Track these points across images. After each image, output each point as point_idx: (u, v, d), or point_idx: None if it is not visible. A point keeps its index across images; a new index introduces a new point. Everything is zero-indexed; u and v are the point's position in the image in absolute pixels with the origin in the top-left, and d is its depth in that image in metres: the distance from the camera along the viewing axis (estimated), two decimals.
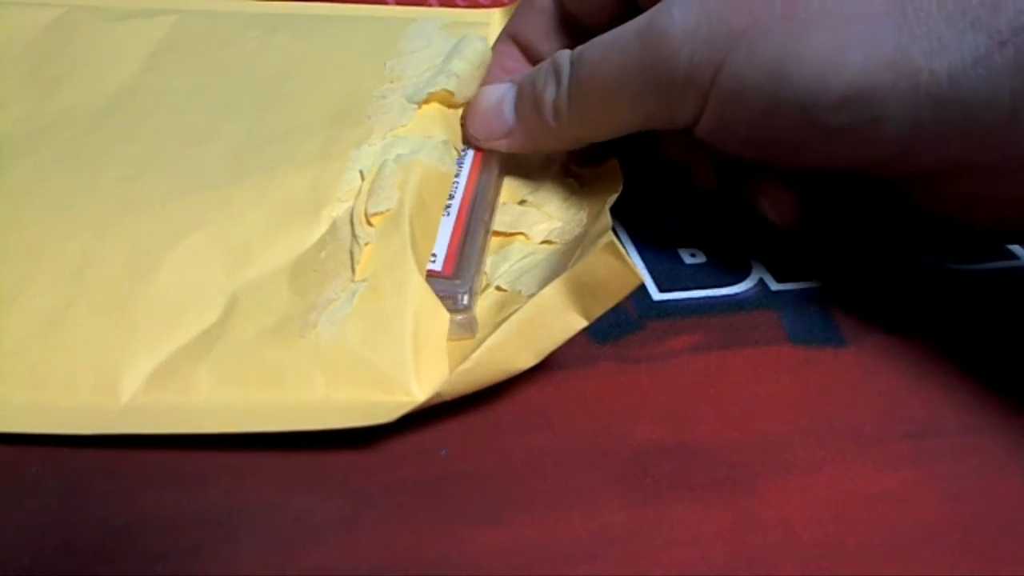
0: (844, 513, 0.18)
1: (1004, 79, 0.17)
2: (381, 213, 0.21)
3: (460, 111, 0.25)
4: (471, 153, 0.25)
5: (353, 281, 0.20)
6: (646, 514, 0.18)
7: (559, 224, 0.24)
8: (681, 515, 0.18)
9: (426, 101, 0.24)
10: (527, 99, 0.23)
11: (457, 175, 0.24)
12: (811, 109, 0.19)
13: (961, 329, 0.22)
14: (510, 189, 0.25)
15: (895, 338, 0.22)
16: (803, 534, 0.18)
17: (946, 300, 0.23)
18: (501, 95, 0.24)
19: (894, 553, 0.17)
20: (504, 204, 0.24)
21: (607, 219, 0.21)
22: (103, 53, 0.28)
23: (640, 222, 0.25)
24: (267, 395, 0.19)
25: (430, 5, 0.34)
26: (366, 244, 0.21)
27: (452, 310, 0.20)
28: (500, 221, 0.24)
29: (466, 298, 0.21)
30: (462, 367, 0.18)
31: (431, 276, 0.21)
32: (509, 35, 0.26)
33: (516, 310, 0.19)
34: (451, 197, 0.23)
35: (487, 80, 0.26)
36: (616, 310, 0.19)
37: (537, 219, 0.24)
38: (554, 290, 0.19)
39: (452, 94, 0.24)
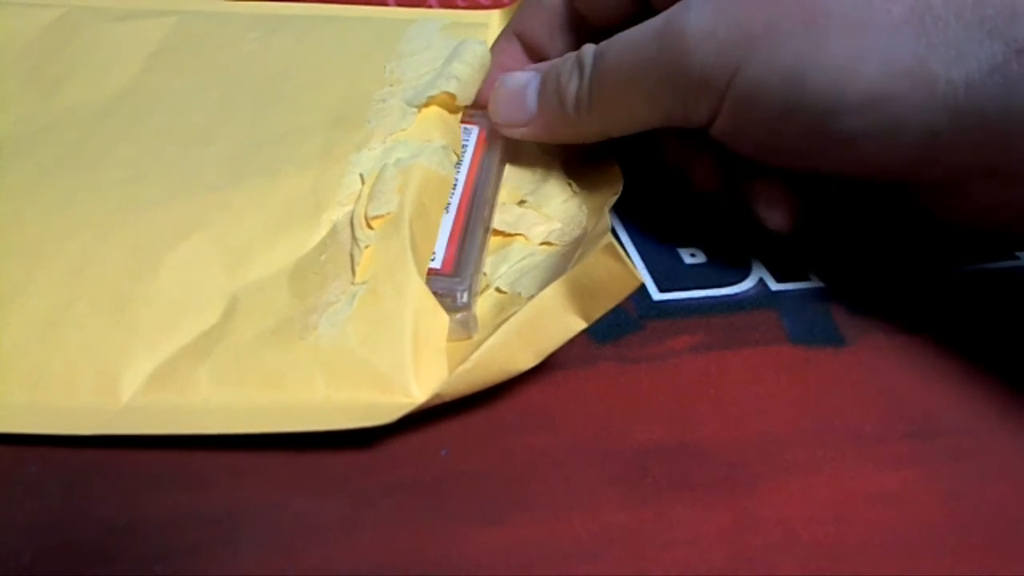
0: (844, 513, 0.18)
1: (1021, 87, 0.17)
2: (381, 216, 0.21)
3: (459, 116, 0.25)
4: (470, 152, 0.25)
5: (353, 283, 0.20)
6: (646, 514, 0.18)
7: (559, 225, 0.24)
8: (681, 515, 0.18)
9: (426, 105, 0.24)
10: (550, 89, 0.24)
11: (456, 173, 0.24)
12: (827, 116, 0.19)
13: (961, 329, 0.22)
14: (510, 189, 0.25)
15: (895, 338, 0.22)
16: (803, 534, 0.18)
17: (946, 300, 0.23)
18: (525, 82, 0.24)
19: (894, 553, 0.17)
20: (504, 204, 0.24)
21: (607, 220, 0.21)
22: (103, 54, 0.28)
23: (640, 222, 0.25)
24: (267, 396, 0.19)
25: (430, 6, 0.34)
26: (366, 247, 0.21)
27: (451, 308, 0.20)
28: (500, 220, 0.24)
29: (465, 296, 0.21)
30: (462, 368, 0.18)
31: (430, 274, 0.21)
32: (514, 32, 0.26)
33: (516, 311, 0.19)
34: (450, 195, 0.23)
35: (486, 79, 0.26)
36: (616, 310, 0.19)
37: (537, 220, 0.24)
38: (554, 291, 0.19)
39: (454, 96, 0.24)
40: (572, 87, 0.23)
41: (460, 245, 0.22)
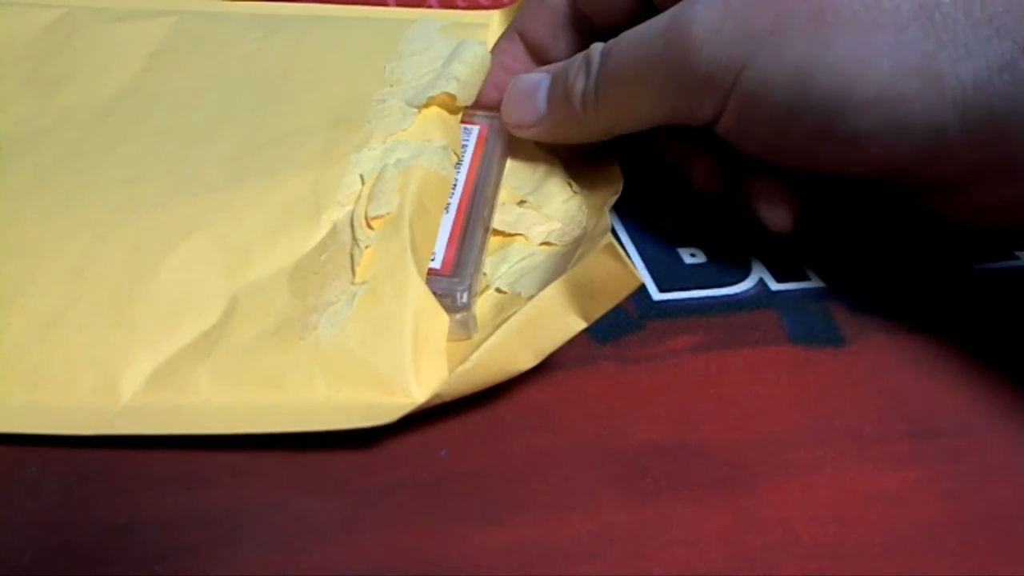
0: (844, 513, 0.18)
1: None
2: (381, 216, 0.21)
3: (459, 116, 0.25)
4: (470, 152, 0.25)
5: (353, 284, 0.20)
6: (646, 514, 0.18)
7: (559, 226, 0.24)
8: (681, 515, 0.18)
9: (426, 105, 0.24)
10: (559, 89, 0.24)
11: (456, 173, 0.24)
12: (834, 114, 0.19)
13: (962, 329, 0.22)
14: (510, 189, 0.25)
15: (895, 338, 0.22)
16: (803, 534, 0.18)
17: (947, 300, 0.23)
18: (536, 83, 0.24)
19: (894, 553, 0.17)
20: (504, 204, 0.24)
21: (607, 220, 0.21)
22: (103, 54, 0.28)
23: (640, 222, 0.25)
24: (267, 396, 0.19)
25: (430, 6, 0.34)
26: (366, 247, 0.21)
27: (451, 308, 0.20)
28: (500, 220, 0.24)
29: (465, 296, 0.21)
30: (461, 368, 0.18)
31: (430, 274, 0.21)
32: (516, 32, 0.26)
33: (516, 312, 0.19)
34: (450, 195, 0.23)
35: (487, 79, 0.26)
36: (616, 310, 0.19)
37: (536, 221, 0.24)
38: (554, 291, 0.19)
39: (454, 97, 0.24)
40: (579, 85, 0.23)
41: (460, 245, 0.22)
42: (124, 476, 0.18)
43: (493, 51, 0.27)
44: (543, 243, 0.23)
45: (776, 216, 0.23)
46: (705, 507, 0.18)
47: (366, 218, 0.21)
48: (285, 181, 0.23)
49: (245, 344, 0.20)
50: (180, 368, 0.19)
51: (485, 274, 0.22)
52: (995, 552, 0.17)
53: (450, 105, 0.25)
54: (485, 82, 0.26)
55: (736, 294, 0.23)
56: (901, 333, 0.22)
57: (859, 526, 0.18)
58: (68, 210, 0.22)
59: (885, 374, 0.21)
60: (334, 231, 0.21)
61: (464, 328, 0.20)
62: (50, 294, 0.20)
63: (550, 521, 0.18)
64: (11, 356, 0.19)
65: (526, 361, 0.19)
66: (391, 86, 0.25)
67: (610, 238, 0.18)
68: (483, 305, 0.22)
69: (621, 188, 0.24)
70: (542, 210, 0.24)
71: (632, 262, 0.18)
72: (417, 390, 0.19)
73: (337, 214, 0.22)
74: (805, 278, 0.24)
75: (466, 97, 0.25)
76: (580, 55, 0.24)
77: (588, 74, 0.23)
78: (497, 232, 0.24)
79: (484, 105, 0.26)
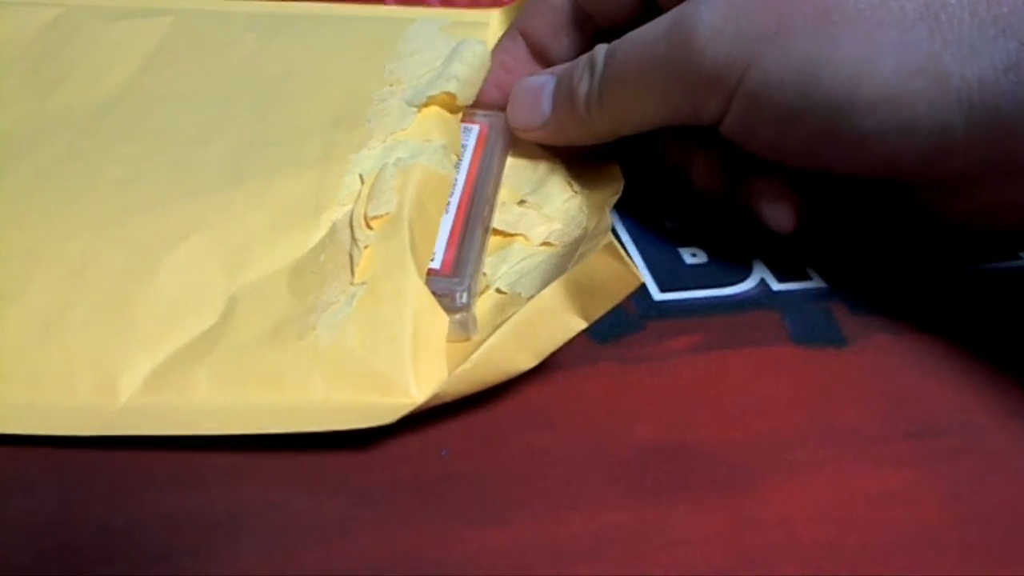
0: (844, 513, 0.18)
1: None
2: (381, 216, 0.21)
3: (459, 116, 0.25)
4: (470, 151, 0.25)
5: (352, 284, 0.20)
6: (646, 514, 0.18)
7: (559, 226, 0.24)
8: (681, 515, 0.18)
9: (426, 104, 0.24)
10: (563, 91, 0.24)
11: (456, 173, 0.24)
12: (839, 114, 0.19)
13: (963, 329, 0.22)
14: (510, 189, 0.25)
15: (896, 338, 0.22)
16: (803, 534, 0.17)
17: (948, 300, 0.23)
18: (540, 86, 0.25)
19: (894, 553, 0.17)
20: (504, 204, 0.24)
21: (607, 220, 0.21)
22: (102, 53, 0.28)
23: (641, 222, 0.25)
24: (266, 396, 0.19)
25: (430, 5, 0.34)
26: (365, 247, 0.21)
27: (450, 309, 0.20)
28: (500, 220, 0.24)
29: (464, 296, 0.20)
30: (461, 368, 0.18)
31: (429, 274, 0.21)
32: (518, 31, 0.26)
33: (516, 312, 0.19)
34: (450, 195, 0.23)
35: (488, 79, 0.26)
36: (616, 310, 0.19)
37: (537, 221, 0.24)
38: (554, 291, 0.19)
39: (454, 96, 0.24)
40: (584, 86, 0.23)
41: (459, 245, 0.22)
42: (124, 476, 0.18)
43: (494, 50, 0.26)
44: (543, 243, 0.23)
45: (778, 216, 0.23)
46: (705, 507, 0.18)
47: (365, 218, 0.21)
48: (284, 181, 0.22)
49: (244, 344, 0.20)
50: (179, 368, 0.19)
51: (485, 274, 0.22)
52: (995, 552, 0.17)
53: (450, 104, 0.24)
54: (486, 81, 0.26)
55: (737, 294, 0.23)
56: (902, 333, 0.22)
57: (859, 526, 0.18)
58: (67, 210, 0.22)
59: (886, 374, 0.21)
60: (333, 231, 0.21)
61: (464, 328, 0.20)
62: (49, 294, 0.20)
63: (550, 521, 0.18)
64: (11, 356, 0.19)
65: (526, 361, 0.19)
66: (391, 85, 0.25)
67: (610, 237, 0.18)
68: (483, 305, 0.22)
69: (622, 188, 0.24)
70: (542, 210, 0.24)
71: (632, 262, 0.18)
72: (417, 390, 0.19)
73: (336, 214, 0.22)
74: (806, 278, 0.24)
75: (466, 97, 0.25)
76: (584, 57, 0.23)
77: (592, 75, 0.23)
78: (497, 232, 0.24)
79: (485, 104, 0.26)
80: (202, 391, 0.19)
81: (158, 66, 0.27)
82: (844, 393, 0.20)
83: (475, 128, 0.25)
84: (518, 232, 0.23)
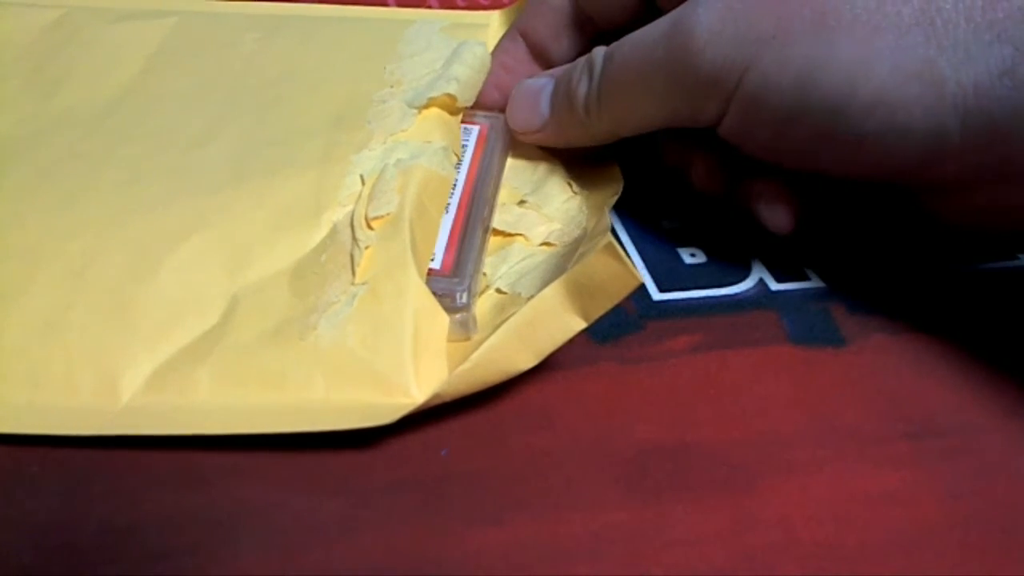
0: (844, 513, 0.18)
1: None
2: (381, 217, 0.21)
3: (459, 117, 0.25)
4: (470, 152, 0.25)
5: (353, 284, 0.20)
6: (646, 514, 0.18)
7: (558, 226, 0.24)
8: (681, 515, 0.18)
9: (426, 106, 0.24)
10: (562, 93, 0.24)
11: (456, 173, 0.24)
12: (836, 116, 0.19)
13: (962, 329, 0.22)
14: (510, 189, 0.25)
15: (895, 338, 0.22)
16: (803, 534, 0.18)
17: (947, 300, 0.23)
18: (539, 88, 0.25)
19: (894, 553, 0.17)
20: (504, 204, 0.24)
21: (607, 220, 0.22)
22: (103, 55, 0.28)
23: (640, 222, 0.25)
24: (267, 396, 0.19)
25: (430, 6, 0.34)
26: (366, 247, 0.21)
27: (450, 308, 0.20)
28: (500, 221, 0.24)
29: (464, 296, 0.21)
30: (461, 368, 0.18)
31: (429, 274, 0.21)
32: (518, 32, 0.27)
33: (515, 312, 0.19)
34: (450, 195, 0.23)
35: (488, 79, 0.26)
36: (616, 310, 0.19)
37: (537, 221, 0.24)
38: (553, 291, 0.19)
39: (455, 98, 0.24)
40: (582, 89, 0.23)
41: (459, 245, 0.22)
42: (124, 476, 0.18)
43: (495, 51, 0.27)
44: (543, 243, 0.23)
45: (776, 217, 0.23)
46: (705, 507, 0.18)
47: (366, 218, 0.21)
48: (285, 182, 0.23)
49: (245, 344, 0.20)
50: (180, 368, 0.19)
51: (485, 274, 0.22)
52: (995, 552, 0.17)
53: (450, 106, 0.25)
54: (486, 82, 0.26)
55: (736, 294, 0.23)
56: (901, 333, 0.22)
57: (859, 526, 0.18)
58: (68, 211, 0.22)
59: (885, 374, 0.21)
60: (334, 231, 0.21)
61: (464, 328, 0.20)
62: (50, 294, 0.20)
63: (550, 521, 0.18)
64: (11, 356, 0.19)
65: (526, 361, 0.19)
66: (391, 87, 0.25)
67: (610, 238, 0.18)
68: (483, 305, 0.22)
69: (621, 189, 0.24)
70: (542, 210, 0.24)
71: (632, 262, 0.18)
72: (417, 390, 0.19)
73: (337, 214, 0.22)
74: (805, 278, 0.24)
75: (466, 98, 0.25)
76: (582, 59, 0.24)
77: (591, 78, 0.23)
78: (497, 232, 0.24)
79: (484, 106, 0.26)
80: (203, 391, 0.19)
81: (159, 67, 0.27)
82: (843, 393, 0.20)
83: (475, 129, 0.25)
84: (518, 232, 0.23)
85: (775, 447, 0.19)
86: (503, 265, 0.23)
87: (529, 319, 0.19)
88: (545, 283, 0.20)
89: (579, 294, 0.19)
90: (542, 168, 0.26)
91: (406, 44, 0.27)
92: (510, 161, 0.26)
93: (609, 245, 0.18)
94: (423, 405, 0.18)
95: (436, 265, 0.21)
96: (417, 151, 0.23)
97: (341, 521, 0.17)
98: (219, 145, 0.24)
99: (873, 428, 0.20)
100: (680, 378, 0.21)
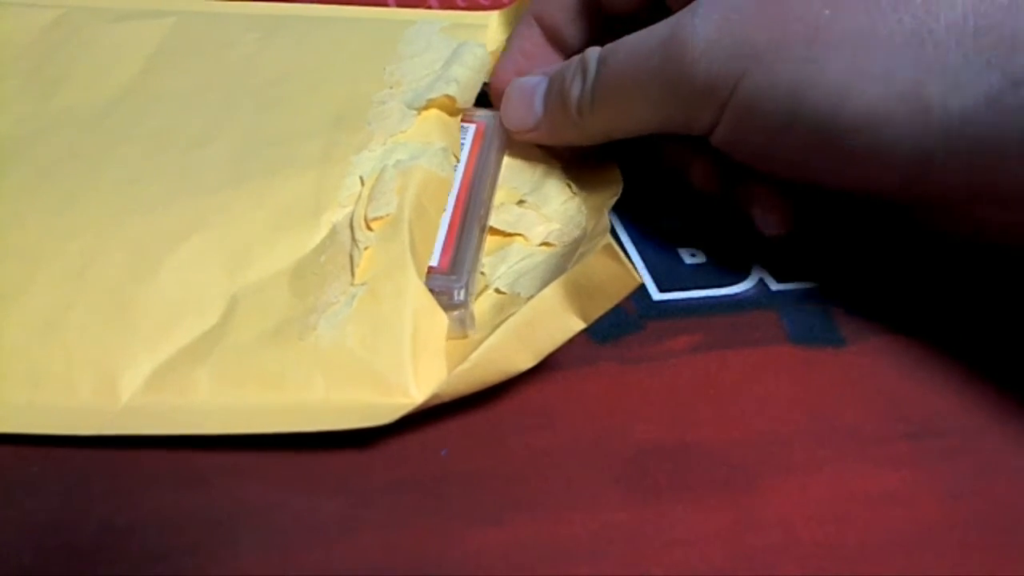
0: (844, 513, 0.18)
1: (1015, 119, 0.18)
2: (381, 218, 0.21)
3: (459, 118, 0.25)
4: (467, 150, 0.25)
5: (352, 284, 0.20)
6: (646, 514, 0.18)
7: (558, 226, 0.24)
8: (681, 515, 0.18)
9: (426, 107, 0.24)
10: (555, 93, 0.24)
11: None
12: (825, 131, 0.19)
13: (961, 330, 0.22)
14: (509, 189, 0.25)
15: (895, 338, 0.22)
16: (803, 534, 0.18)
17: (946, 300, 0.23)
18: (533, 87, 0.25)
19: (894, 553, 0.17)
20: (503, 204, 0.24)
21: (606, 221, 0.22)
22: (102, 55, 0.28)
23: (640, 222, 0.25)
24: (266, 396, 0.19)
25: (430, 7, 0.34)
26: (365, 248, 0.21)
27: (448, 306, 0.20)
28: (499, 220, 0.24)
29: (462, 293, 0.21)
30: (460, 368, 0.18)
31: (427, 272, 0.21)
32: (533, 16, 0.27)
33: (515, 312, 0.19)
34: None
35: (507, 61, 0.26)
36: (616, 310, 0.19)
37: (536, 221, 0.24)
38: (553, 292, 0.19)
39: (453, 99, 0.24)
40: (575, 90, 0.23)
41: (456, 243, 0.22)
42: (124, 476, 0.18)
43: (512, 37, 0.27)
44: (542, 243, 0.23)
45: (771, 221, 0.23)
46: (705, 507, 0.18)
47: (366, 219, 0.21)
48: (285, 182, 0.23)
49: (245, 345, 0.20)
50: (180, 368, 0.19)
51: (484, 274, 0.22)
52: (995, 552, 0.17)
53: (449, 107, 0.25)
54: (504, 69, 0.26)
55: (736, 294, 0.23)
56: (901, 333, 0.22)
57: (859, 526, 0.18)
58: (68, 211, 0.22)
59: (885, 374, 0.21)
60: (334, 232, 0.21)
61: (461, 325, 0.20)
62: (50, 294, 0.20)
63: (550, 521, 0.18)
64: (11, 356, 0.19)
65: (525, 361, 0.19)
66: (391, 88, 0.25)
67: (609, 238, 0.18)
68: (482, 305, 0.22)
69: (621, 190, 0.24)
70: (541, 210, 0.24)
71: (631, 262, 0.18)
72: (416, 390, 0.19)
73: (337, 215, 0.22)
74: (805, 278, 0.24)
75: (465, 99, 0.25)
76: (575, 59, 0.24)
77: (584, 80, 0.23)
78: (496, 232, 0.24)
79: (499, 91, 0.26)
80: (203, 391, 0.19)
81: (159, 67, 0.27)
82: (842, 393, 0.20)
83: (472, 127, 0.25)
84: (517, 232, 0.23)
85: (775, 447, 0.19)
86: (502, 265, 0.23)
87: (528, 319, 0.19)
88: (544, 283, 0.20)
89: (578, 294, 0.19)
90: (541, 168, 0.26)
91: (406, 45, 0.27)
92: (509, 161, 0.26)
93: (608, 246, 0.18)
94: (422, 405, 0.18)
95: (433, 263, 0.21)
96: (416, 152, 0.23)
97: (341, 521, 0.17)
98: (219, 145, 0.24)
99: (873, 428, 0.20)
100: (680, 378, 0.21)
